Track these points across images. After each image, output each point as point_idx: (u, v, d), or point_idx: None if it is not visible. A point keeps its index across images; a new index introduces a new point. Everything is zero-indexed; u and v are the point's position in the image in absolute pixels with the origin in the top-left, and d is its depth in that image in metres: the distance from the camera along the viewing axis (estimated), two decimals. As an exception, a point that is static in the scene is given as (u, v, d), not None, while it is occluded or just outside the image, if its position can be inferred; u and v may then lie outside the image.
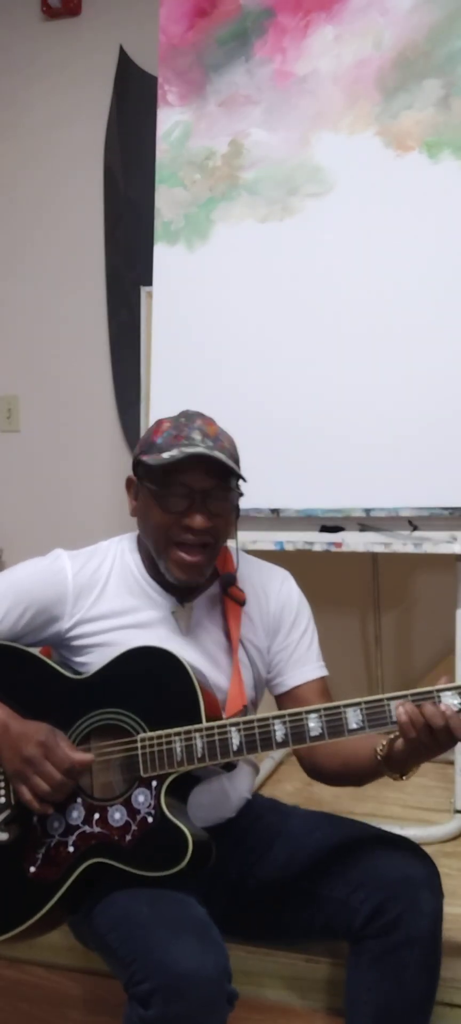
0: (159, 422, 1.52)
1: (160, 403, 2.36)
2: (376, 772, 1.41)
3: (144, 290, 2.78)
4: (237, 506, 1.54)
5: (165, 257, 2.47)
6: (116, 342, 3.17)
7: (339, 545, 2.22)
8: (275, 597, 1.60)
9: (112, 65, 3.14)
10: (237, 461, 1.50)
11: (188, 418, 1.50)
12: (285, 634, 1.59)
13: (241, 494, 1.53)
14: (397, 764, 1.37)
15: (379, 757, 1.38)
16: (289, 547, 2.26)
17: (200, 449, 1.43)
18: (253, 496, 2.21)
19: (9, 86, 3.29)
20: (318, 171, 2.32)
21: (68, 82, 3.22)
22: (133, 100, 3.09)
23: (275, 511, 2.27)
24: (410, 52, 2.24)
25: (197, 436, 1.45)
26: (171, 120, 2.50)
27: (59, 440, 3.26)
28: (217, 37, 2.46)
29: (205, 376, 2.37)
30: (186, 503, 1.45)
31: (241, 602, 1.56)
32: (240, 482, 1.52)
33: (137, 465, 1.52)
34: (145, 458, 1.47)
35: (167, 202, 2.48)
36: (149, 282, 2.55)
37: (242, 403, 2.31)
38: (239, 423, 2.27)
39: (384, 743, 1.38)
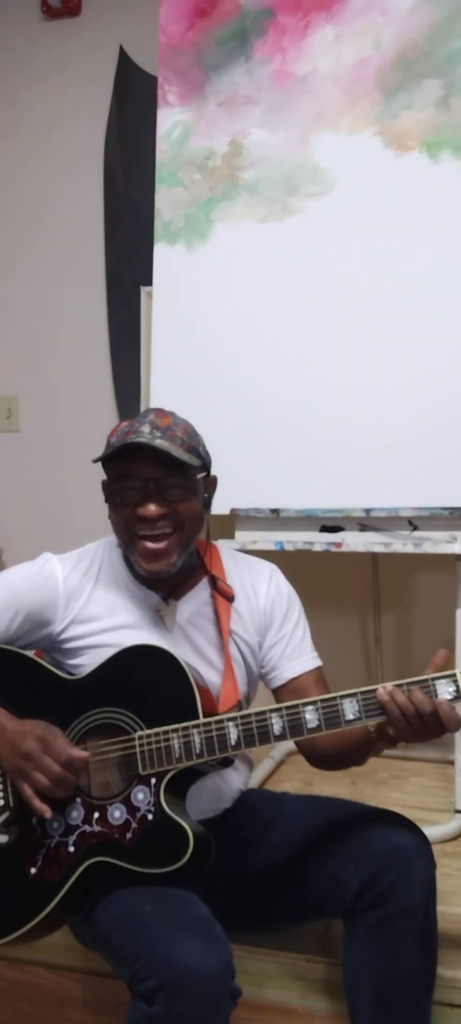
0: (119, 423, 1.54)
1: (160, 403, 2.34)
2: (371, 745, 1.43)
3: (144, 290, 2.78)
4: (204, 498, 1.54)
5: (165, 257, 2.47)
6: (116, 342, 3.17)
7: (339, 545, 2.22)
8: (265, 592, 1.61)
9: (112, 65, 3.14)
10: (193, 451, 1.50)
11: (144, 414, 1.53)
12: (277, 628, 1.60)
13: (206, 487, 1.54)
14: (387, 736, 1.37)
15: (372, 730, 1.40)
16: (289, 547, 2.26)
17: (137, 439, 1.45)
18: (253, 496, 2.25)
19: (9, 86, 3.29)
20: (318, 171, 2.32)
21: (68, 82, 3.21)
22: (133, 100, 3.09)
23: (275, 511, 2.27)
24: (410, 52, 2.24)
25: (145, 428, 1.47)
26: (171, 120, 2.50)
27: (59, 440, 3.26)
28: (217, 37, 2.46)
29: (205, 376, 2.37)
30: (140, 495, 1.47)
31: (230, 598, 1.57)
32: (210, 474, 1.55)
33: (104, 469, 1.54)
34: (96, 457, 1.50)
35: (167, 202, 2.48)
36: (149, 282, 2.55)
37: (242, 403, 2.32)
38: (239, 423, 2.29)
39: None
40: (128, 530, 1.49)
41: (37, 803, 1.38)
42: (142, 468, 1.46)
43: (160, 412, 1.53)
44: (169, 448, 1.45)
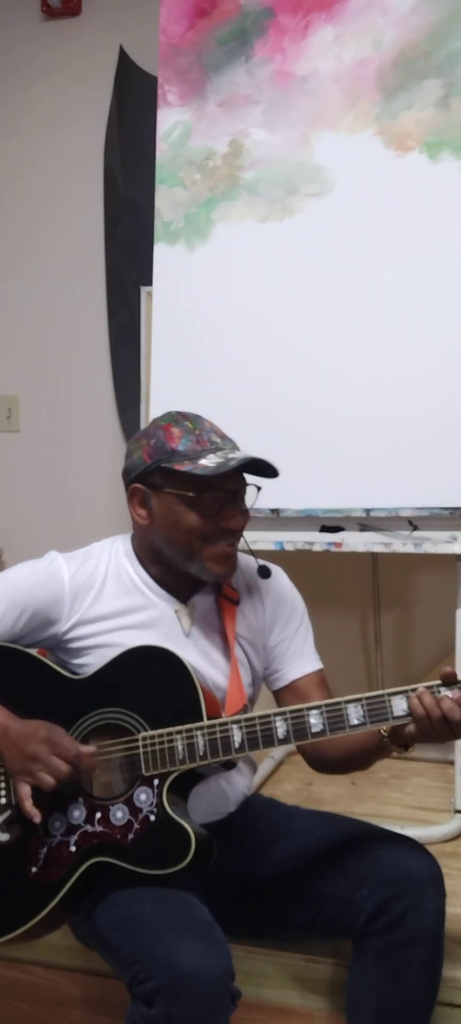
0: (165, 428, 1.50)
1: (160, 403, 2.35)
2: (381, 750, 1.43)
3: (144, 290, 2.78)
4: None
5: (165, 257, 2.47)
6: (116, 342, 3.17)
7: (339, 545, 2.22)
8: (269, 593, 1.61)
9: (112, 65, 3.13)
10: None
11: (195, 421, 1.51)
12: (281, 628, 1.60)
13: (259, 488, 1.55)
14: (401, 739, 1.38)
15: (384, 734, 1.40)
16: (289, 547, 2.26)
17: (242, 454, 1.47)
18: (252, 496, 2.24)
19: (9, 86, 3.28)
20: (318, 171, 2.32)
21: (68, 82, 3.21)
22: (133, 100, 3.09)
23: (275, 511, 2.27)
24: (410, 52, 2.24)
25: (218, 439, 1.49)
26: (171, 120, 2.50)
27: (59, 440, 3.26)
28: (217, 37, 2.46)
29: (205, 376, 2.37)
30: (218, 505, 1.46)
31: (235, 601, 1.57)
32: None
33: (152, 473, 1.49)
34: (179, 467, 1.45)
35: (167, 202, 2.48)
36: (149, 282, 2.55)
37: (242, 403, 2.31)
38: (239, 423, 2.27)
39: None
40: (201, 537, 1.47)
41: (29, 806, 1.38)
42: (227, 481, 1.46)
43: (211, 423, 1.53)
44: (269, 460, 1.47)
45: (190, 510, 1.46)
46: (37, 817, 1.38)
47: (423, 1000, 1.40)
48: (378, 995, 1.38)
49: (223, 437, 1.51)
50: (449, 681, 1.33)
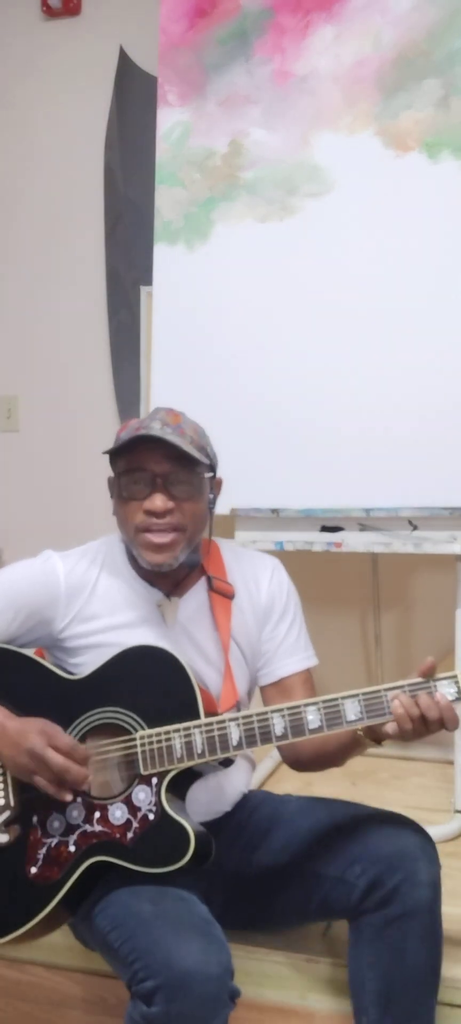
0: (129, 420, 1.55)
1: (160, 403, 2.34)
2: (356, 745, 1.43)
3: (144, 290, 2.79)
4: (210, 498, 1.55)
5: (165, 257, 2.47)
6: (116, 342, 3.17)
7: (339, 545, 2.22)
8: (266, 586, 1.61)
9: (112, 65, 3.14)
10: (202, 449, 1.51)
11: (154, 411, 1.54)
12: (274, 625, 1.60)
13: (211, 488, 1.54)
14: (376, 734, 1.38)
15: (360, 732, 1.39)
16: (289, 547, 2.26)
17: (148, 432, 1.46)
18: (253, 496, 2.25)
19: (9, 86, 3.29)
20: (318, 171, 2.32)
21: (68, 82, 3.21)
22: (133, 100, 3.09)
23: (275, 511, 2.27)
24: (410, 52, 2.24)
25: (156, 424, 1.48)
26: (171, 120, 2.50)
27: (59, 440, 3.26)
28: (217, 37, 2.46)
29: (205, 376, 2.37)
30: (148, 489, 1.47)
31: (230, 596, 1.57)
32: (216, 475, 1.56)
33: (113, 464, 1.54)
34: (105, 450, 1.51)
35: (167, 202, 2.48)
36: (149, 282, 2.55)
37: (242, 403, 2.32)
38: (239, 423, 2.29)
39: None
40: (133, 524, 1.49)
41: (53, 789, 1.37)
42: (151, 462, 1.47)
43: (171, 411, 1.53)
44: (179, 442, 1.45)
45: (116, 492, 1.51)
46: (69, 796, 1.37)
47: (426, 972, 1.39)
48: (380, 973, 1.38)
49: (169, 424, 1.49)
50: (428, 674, 1.34)
